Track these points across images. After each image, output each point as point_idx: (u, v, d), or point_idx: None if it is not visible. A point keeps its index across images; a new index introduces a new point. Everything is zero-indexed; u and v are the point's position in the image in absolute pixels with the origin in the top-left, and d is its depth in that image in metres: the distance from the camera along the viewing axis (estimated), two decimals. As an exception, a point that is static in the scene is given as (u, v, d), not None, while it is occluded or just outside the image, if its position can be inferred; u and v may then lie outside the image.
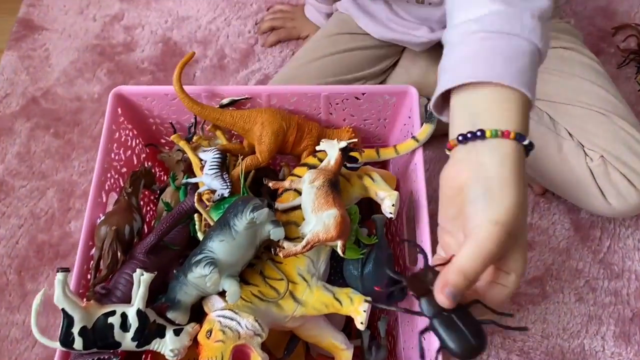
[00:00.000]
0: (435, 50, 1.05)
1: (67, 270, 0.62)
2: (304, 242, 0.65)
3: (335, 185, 0.69)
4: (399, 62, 1.10)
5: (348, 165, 0.82)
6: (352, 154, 0.75)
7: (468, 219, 0.49)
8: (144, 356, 0.79)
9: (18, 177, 1.11)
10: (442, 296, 0.48)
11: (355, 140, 0.74)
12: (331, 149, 0.72)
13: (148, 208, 0.91)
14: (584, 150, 0.94)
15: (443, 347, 0.51)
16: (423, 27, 0.99)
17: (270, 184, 0.74)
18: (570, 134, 0.95)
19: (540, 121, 0.98)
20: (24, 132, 1.16)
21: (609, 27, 1.24)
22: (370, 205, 0.85)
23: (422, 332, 0.54)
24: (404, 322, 0.80)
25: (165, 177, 0.96)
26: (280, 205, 0.74)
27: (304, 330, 0.74)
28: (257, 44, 1.25)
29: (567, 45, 1.00)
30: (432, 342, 0.64)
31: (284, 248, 0.67)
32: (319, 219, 0.66)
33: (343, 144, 0.71)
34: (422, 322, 0.70)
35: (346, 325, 0.83)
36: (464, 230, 0.49)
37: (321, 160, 0.76)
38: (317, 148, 0.75)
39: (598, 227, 1.05)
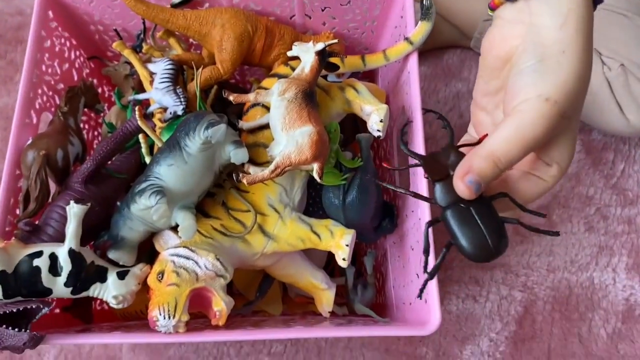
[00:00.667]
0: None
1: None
2: (272, 166, 0.53)
3: (310, 97, 0.56)
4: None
5: (327, 75, 0.69)
6: (332, 59, 0.62)
7: (512, 93, 0.40)
8: (94, 302, 0.69)
9: (-47, 103, 0.97)
10: (461, 184, 0.42)
11: (336, 41, 0.61)
12: (306, 54, 0.59)
13: (94, 133, 0.78)
14: (601, 59, 0.82)
15: (453, 244, 0.45)
16: None
17: (231, 97, 0.61)
18: None
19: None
20: (-41, 52, 1.01)
21: None
22: (354, 125, 0.72)
23: (431, 223, 0.47)
24: (394, 257, 0.69)
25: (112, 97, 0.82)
26: (245, 124, 0.61)
27: (277, 269, 0.63)
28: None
29: None
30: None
31: (249, 174, 0.55)
32: (290, 138, 0.54)
33: (320, 45, 0.58)
34: (415, 255, 0.59)
35: (327, 263, 0.72)
36: (504, 108, 0.41)
37: (294, 70, 0.63)
38: (289, 54, 0.61)
39: (611, 148, 0.94)
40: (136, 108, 0.59)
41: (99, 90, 0.78)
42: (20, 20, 1.03)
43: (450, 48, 1.00)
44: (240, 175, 0.54)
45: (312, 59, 0.58)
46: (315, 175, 0.53)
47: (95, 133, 0.78)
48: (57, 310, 0.64)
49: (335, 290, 0.64)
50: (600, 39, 0.81)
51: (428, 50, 0.99)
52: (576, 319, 0.84)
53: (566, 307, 0.85)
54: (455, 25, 0.94)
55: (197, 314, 0.58)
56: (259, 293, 0.67)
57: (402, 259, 0.65)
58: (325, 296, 0.64)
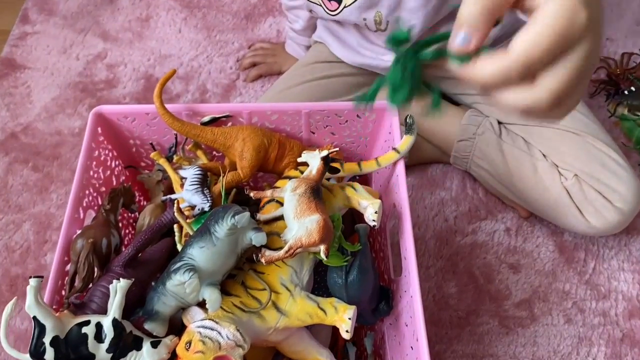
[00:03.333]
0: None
1: (40, 277, 0.60)
2: (286, 247, 0.64)
3: (317, 192, 0.68)
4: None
5: (330, 178, 0.82)
6: (333, 164, 0.75)
7: None
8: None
9: (-7, 210, 1.09)
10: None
11: (337, 149, 0.74)
12: (313, 159, 0.72)
13: (127, 231, 0.89)
14: (558, 170, 0.95)
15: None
16: (390, 52, 1.02)
17: (252, 194, 0.73)
18: (544, 155, 0.97)
19: (515, 144, 0.99)
20: (2, 166, 1.14)
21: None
22: (353, 220, 0.84)
23: None
24: (391, 338, 0.77)
25: (144, 201, 0.94)
26: (262, 216, 0.73)
27: (288, 346, 0.71)
28: (238, 79, 1.27)
29: None
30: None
31: (265, 255, 0.66)
32: (301, 225, 0.65)
33: (324, 152, 0.71)
34: (409, 330, 0.68)
35: (331, 348, 0.80)
36: None
37: (302, 173, 0.76)
38: (299, 160, 0.75)
39: (582, 248, 1.05)
40: (175, 202, 0.71)
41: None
42: (58, 139, 1.18)
43: (433, 163, 1.15)
44: (260, 254, 0.65)
45: (318, 163, 0.71)
46: (322, 255, 0.64)
47: (126, 231, 0.89)
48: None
49: (338, 366, 0.72)
50: (556, 153, 0.96)
51: (414, 165, 1.14)
52: (562, 405, 0.90)
53: (552, 393, 0.91)
54: (435, 145, 1.09)
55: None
56: (270, 371, 0.74)
57: (398, 337, 0.73)
58: (330, 372, 0.71)
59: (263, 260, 0.64)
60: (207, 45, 1.32)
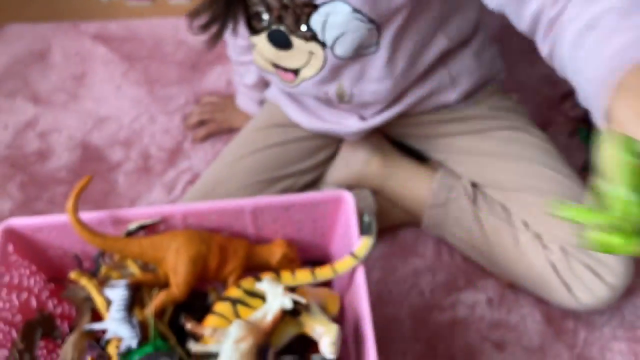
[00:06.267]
0: (374, 137, 0.97)
1: None
2: None
3: (264, 354, 0.58)
4: (338, 152, 1.01)
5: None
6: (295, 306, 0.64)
7: None
8: None
9: None
10: None
11: (302, 272, 0.64)
12: (273, 297, 0.61)
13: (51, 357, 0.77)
14: (542, 243, 0.86)
15: None
16: (353, 116, 0.91)
17: (188, 325, 0.63)
18: (526, 224, 0.87)
19: (492, 212, 0.90)
20: None
21: (556, 95, 1.19)
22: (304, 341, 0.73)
23: None
24: None
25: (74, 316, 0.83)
26: (195, 346, 0.62)
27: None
28: (186, 141, 1.16)
29: (513, 125, 0.94)
30: None
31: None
32: None
33: (289, 304, 0.60)
34: None
35: None
36: None
37: (246, 292, 0.65)
38: (257, 285, 0.64)
39: (571, 317, 0.95)
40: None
41: (58, 310, 0.78)
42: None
43: (403, 226, 1.04)
44: None
45: (276, 309, 0.60)
46: None
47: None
48: None
49: None
50: (539, 222, 0.86)
51: (383, 229, 1.03)
52: None
53: None
54: (405, 209, 0.99)
55: None
56: None
57: None
58: None
59: None
60: (149, 103, 1.20)
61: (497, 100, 0.96)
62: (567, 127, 1.15)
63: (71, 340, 0.71)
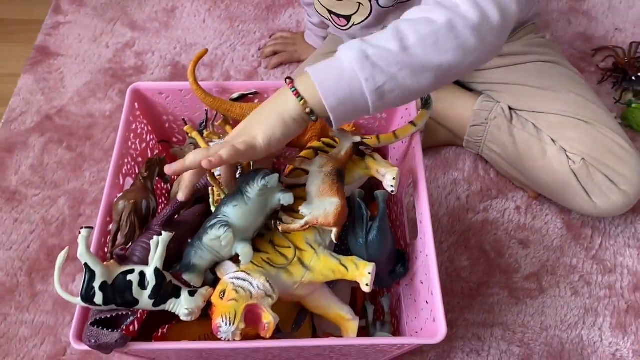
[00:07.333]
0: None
1: (90, 228, 0.66)
2: (302, 222, 0.71)
3: (341, 174, 0.74)
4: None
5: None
6: (361, 147, 0.80)
7: None
8: (160, 331, 0.82)
9: (31, 186, 1.15)
10: None
11: (368, 139, 0.81)
12: (345, 140, 0.77)
13: (160, 201, 0.95)
14: (566, 154, 1.00)
15: None
16: None
17: (281, 158, 0.80)
18: (553, 140, 1.01)
19: (525, 129, 1.04)
20: (38, 146, 1.21)
21: (588, 49, 1.34)
22: (372, 188, 0.89)
23: None
24: (407, 298, 0.83)
25: (175, 177, 1.00)
26: (286, 179, 0.79)
27: (311, 301, 0.77)
28: (260, 67, 1.33)
29: (545, 59, 1.08)
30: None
31: (285, 223, 0.72)
32: (320, 203, 0.71)
33: (357, 139, 0.77)
34: (424, 287, 0.74)
35: (351, 306, 0.86)
36: None
37: (325, 144, 0.82)
38: (331, 134, 0.81)
39: (589, 226, 1.10)
40: (207, 170, 0.77)
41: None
42: (90, 121, 1.25)
43: (446, 146, 1.20)
44: (279, 223, 0.71)
45: (348, 145, 0.77)
46: (333, 238, 0.71)
47: (162, 200, 0.95)
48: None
49: (358, 321, 0.77)
50: (564, 139, 1.00)
51: (428, 148, 1.19)
52: (568, 368, 0.95)
53: None
54: (449, 129, 1.14)
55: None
56: (294, 325, 0.80)
57: (414, 295, 0.79)
58: (350, 326, 0.77)
59: (280, 229, 0.70)
60: (230, 35, 1.39)
61: (532, 38, 1.11)
62: (597, 76, 1.30)
63: (182, 176, 0.88)
